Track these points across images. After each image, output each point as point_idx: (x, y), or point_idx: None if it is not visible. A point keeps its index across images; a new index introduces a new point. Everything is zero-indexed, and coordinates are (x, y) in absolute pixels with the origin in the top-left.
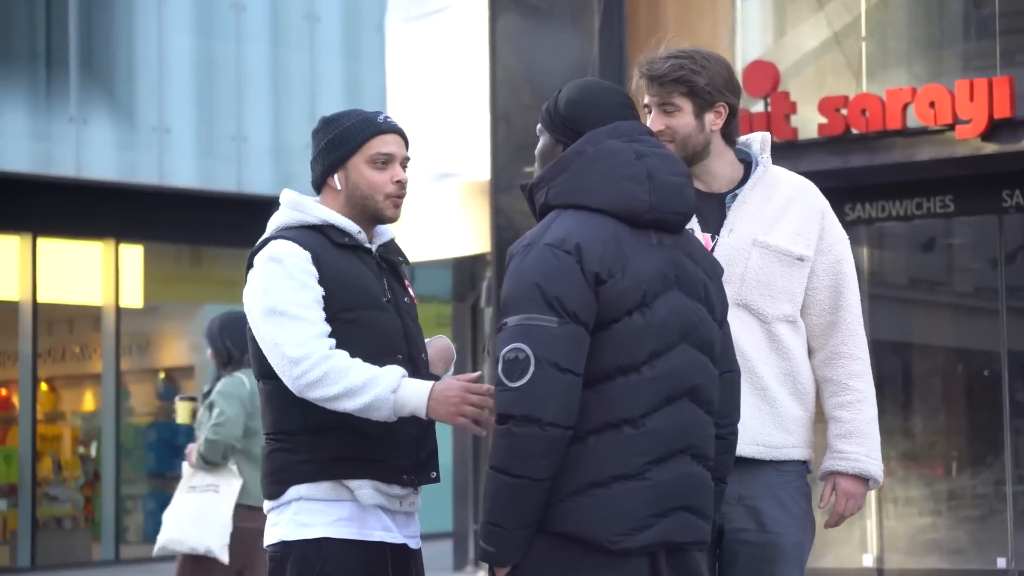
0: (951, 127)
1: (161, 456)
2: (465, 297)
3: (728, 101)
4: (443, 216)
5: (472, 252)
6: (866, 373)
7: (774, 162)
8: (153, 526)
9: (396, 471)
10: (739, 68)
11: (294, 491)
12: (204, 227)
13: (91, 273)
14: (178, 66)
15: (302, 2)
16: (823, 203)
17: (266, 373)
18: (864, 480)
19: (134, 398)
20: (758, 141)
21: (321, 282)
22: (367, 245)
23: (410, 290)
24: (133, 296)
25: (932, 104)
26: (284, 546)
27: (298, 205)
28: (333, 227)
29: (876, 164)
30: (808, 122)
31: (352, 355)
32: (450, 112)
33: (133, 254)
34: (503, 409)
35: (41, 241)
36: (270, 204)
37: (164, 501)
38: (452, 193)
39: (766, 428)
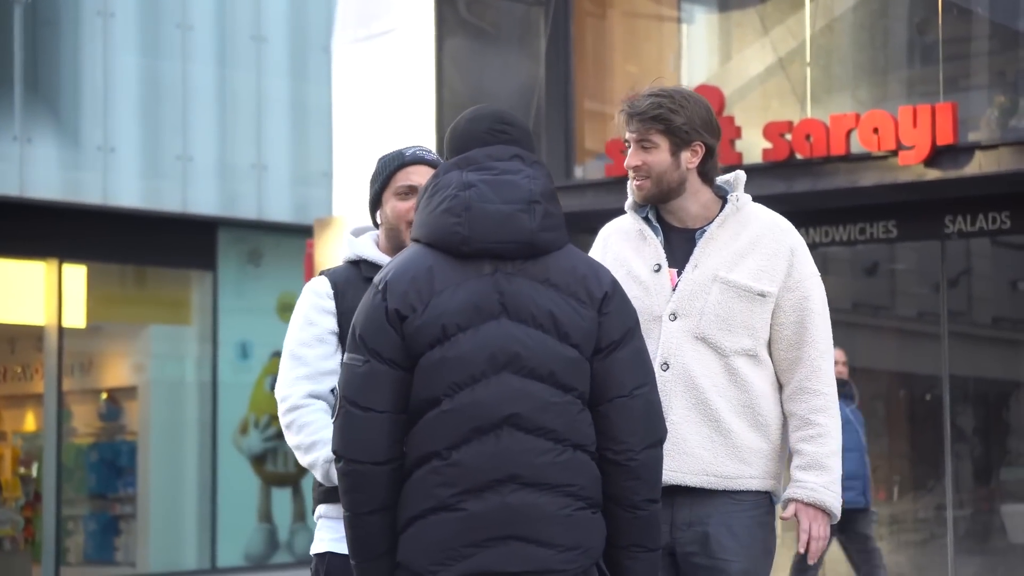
0: (894, 153)
1: (103, 477)
2: None
3: (705, 141)
4: None
5: None
6: (830, 408)
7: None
8: (94, 547)
9: None
10: None
11: (319, 509)
12: (149, 247)
13: (34, 293)
14: (123, 85)
15: (248, 22)
16: (794, 241)
17: None
18: (824, 511)
19: (76, 418)
20: (733, 179)
21: (339, 315)
22: None
23: None
24: (76, 316)
25: (876, 130)
26: (313, 559)
27: (349, 242)
28: (366, 262)
29: (820, 189)
30: (753, 147)
31: None
32: (396, 134)
33: (76, 274)
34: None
35: None
36: (215, 225)
37: (105, 522)
38: None
39: (719, 459)
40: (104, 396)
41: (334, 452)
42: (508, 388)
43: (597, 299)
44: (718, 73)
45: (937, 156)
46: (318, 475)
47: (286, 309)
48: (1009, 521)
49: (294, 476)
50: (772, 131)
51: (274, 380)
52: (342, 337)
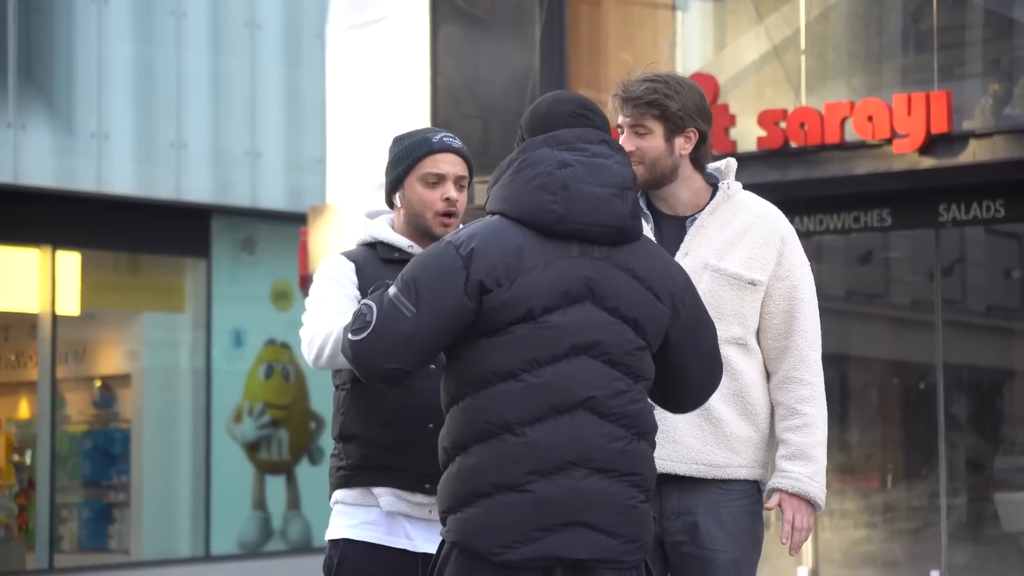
0: (889, 141)
1: (97, 464)
2: None
3: (698, 127)
4: None
5: None
6: (816, 398)
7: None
8: (88, 535)
9: (417, 480)
10: None
11: (336, 495)
12: (142, 234)
13: (27, 280)
14: (117, 72)
15: (243, 9)
16: (784, 229)
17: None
18: (808, 501)
19: (70, 406)
20: (724, 167)
21: (361, 290)
22: None
23: None
24: (70, 303)
25: (870, 118)
26: (328, 544)
27: (364, 224)
28: (382, 243)
29: (814, 177)
30: (747, 135)
31: None
32: (390, 121)
33: (70, 261)
34: None
35: None
36: (209, 212)
37: (99, 510)
38: None
39: (708, 447)
40: (98, 384)
41: (349, 353)
42: (587, 371)
43: (670, 296)
44: (713, 61)
45: (931, 144)
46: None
47: (280, 297)
48: (1003, 509)
49: (288, 464)
50: (767, 119)
51: (268, 368)
52: None
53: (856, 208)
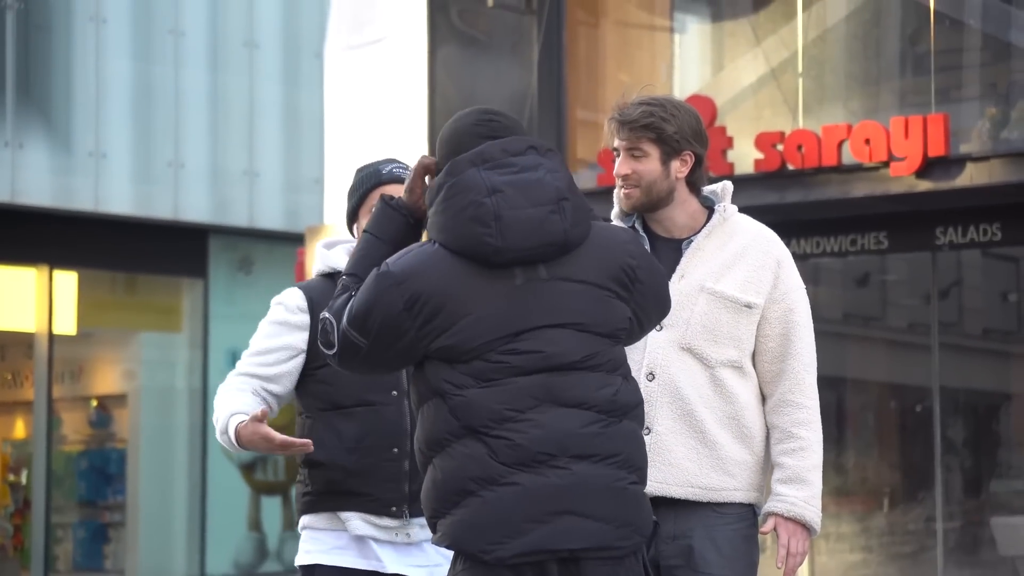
0: (886, 164)
1: (92, 484)
2: None
3: (694, 150)
4: None
5: None
6: (812, 421)
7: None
8: (83, 555)
9: (383, 504)
10: None
11: (303, 520)
12: (140, 254)
13: (24, 299)
14: (115, 91)
15: (241, 29)
16: (780, 253)
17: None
18: (804, 526)
19: (66, 425)
20: (720, 189)
21: (312, 327)
22: None
23: None
24: (67, 323)
25: (867, 141)
26: (300, 570)
27: (321, 255)
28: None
29: (811, 200)
30: (744, 157)
31: (343, 394)
32: (388, 141)
33: (67, 280)
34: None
35: None
36: (206, 231)
37: (95, 530)
38: None
39: (704, 470)
40: (94, 403)
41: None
42: (554, 382)
43: (628, 282)
44: (710, 83)
45: (928, 167)
46: (225, 444)
47: None
48: (999, 533)
49: (284, 485)
50: (764, 141)
51: None
52: (311, 348)
53: (853, 231)
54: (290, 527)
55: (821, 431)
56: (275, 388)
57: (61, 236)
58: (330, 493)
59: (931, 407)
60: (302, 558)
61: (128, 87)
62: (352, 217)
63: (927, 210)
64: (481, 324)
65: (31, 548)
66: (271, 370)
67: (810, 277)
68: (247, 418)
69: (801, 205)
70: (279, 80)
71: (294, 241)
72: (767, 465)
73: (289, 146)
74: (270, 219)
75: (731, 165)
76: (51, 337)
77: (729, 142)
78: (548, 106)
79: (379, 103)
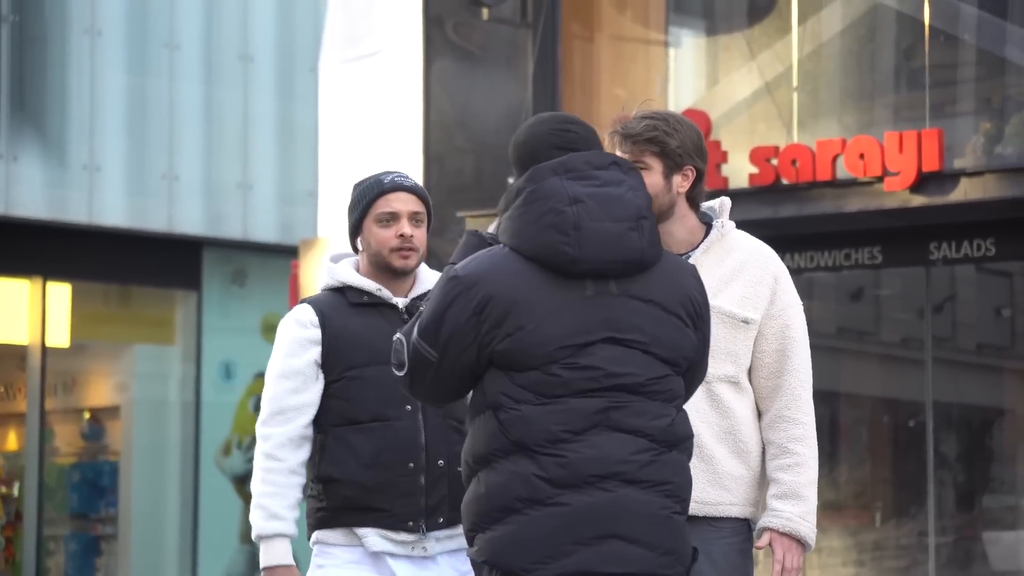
0: (880, 179)
1: (85, 497)
2: None
3: (696, 165)
4: None
5: None
6: (808, 437)
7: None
8: (75, 568)
9: (400, 519)
10: None
11: (316, 535)
12: (134, 266)
13: (17, 311)
14: (110, 104)
15: (235, 42)
16: (778, 269)
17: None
18: (798, 541)
19: (58, 438)
20: (718, 205)
21: (326, 341)
22: (392, 301)
23: None
24: (60, 335)
25: (862, 156)
26: None
27: (329, 269)
28: (351, 288)
29: (806, 214)
30: (739, 171)
31: (359, 409)
32: (383, 154)
33: (61, 292)
34: None
35: None
36: (200, 244)
37: (87, 543)
38: None
39: (699, 485)
40: (87, 415)
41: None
42: (605, 406)
43: (694, 314)
44: (705, 97)
45: (923, 182)
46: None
47: (270, 330)
48: (991, 548)
49: None
50: (758, 156)
51: (257, 401)
52: (325, 363)
53: (847, 245)
54: None
55: (817, 447)
56: (306, 419)
57: (55, 248)
58: (346, 509)
59: (924, 422)
60: (315, 573)
61: (123, 100)
62: (355, 231)
63: (921, 225)
64: (545, 332)
65: (23, 561)
66: (298, 399)
67: (804, 291)
68: (286, 539)
69: (795, 219)
70: (274, 93)
71: (288, 254)
72: (763, 480)
73: (283, 159)
74: (264, 232)
75: (725, 179)
76: (44, 349)
77: (723, 156)
78: None
79: (374, 116)
